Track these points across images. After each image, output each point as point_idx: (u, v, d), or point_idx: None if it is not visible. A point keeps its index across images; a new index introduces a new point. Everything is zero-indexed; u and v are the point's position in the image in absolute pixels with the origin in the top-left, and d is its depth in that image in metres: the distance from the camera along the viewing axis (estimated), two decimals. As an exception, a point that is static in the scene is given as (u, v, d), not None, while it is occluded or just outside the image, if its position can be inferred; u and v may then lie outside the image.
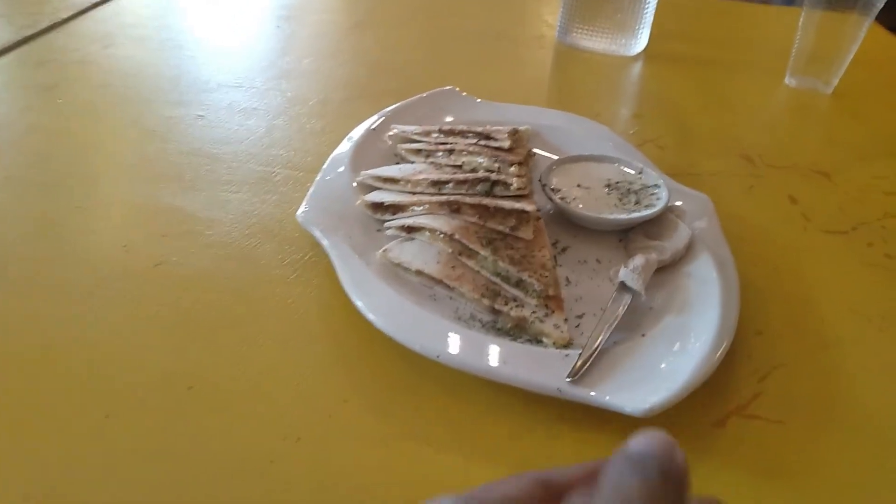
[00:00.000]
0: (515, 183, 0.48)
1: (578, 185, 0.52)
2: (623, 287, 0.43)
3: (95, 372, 0.38)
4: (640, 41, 0.86)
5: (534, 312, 0.41)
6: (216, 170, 0.56)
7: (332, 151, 0.55)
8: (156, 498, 0.32)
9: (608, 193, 0.52)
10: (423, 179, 0.49)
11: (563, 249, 0.49)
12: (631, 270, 0.43)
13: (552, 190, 0.51)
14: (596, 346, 0.38)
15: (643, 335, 0.40)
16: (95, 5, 0.88)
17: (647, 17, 0.85)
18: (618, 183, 0.53)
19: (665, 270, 0.45)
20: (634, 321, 0.42)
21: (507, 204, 0.47)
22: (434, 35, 0.90)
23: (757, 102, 0.78)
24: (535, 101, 0.75)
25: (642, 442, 0.21)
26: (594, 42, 0.86)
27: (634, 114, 0.74)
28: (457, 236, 0.44)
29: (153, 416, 0.36)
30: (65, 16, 0.84)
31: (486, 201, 0.47)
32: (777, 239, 0.54)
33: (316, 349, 0.40)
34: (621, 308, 0.41)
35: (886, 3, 0.73)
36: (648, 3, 0.83)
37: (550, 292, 0.43)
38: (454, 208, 0.47)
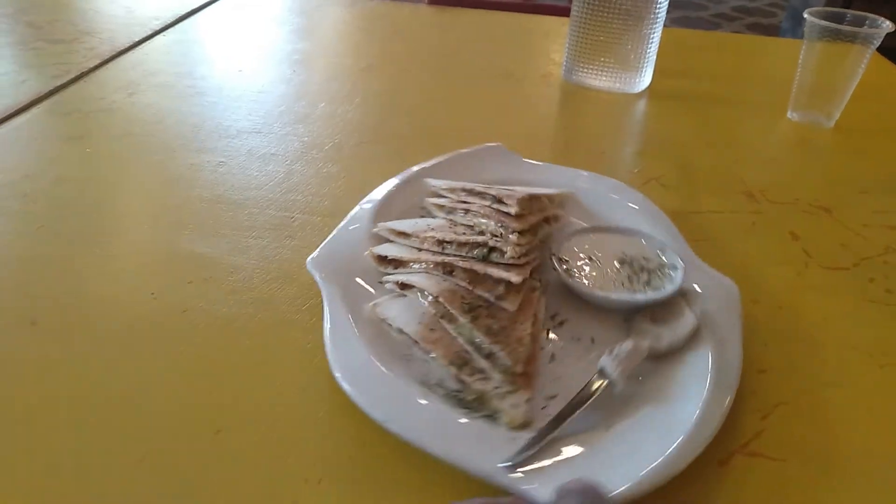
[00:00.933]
0: (510, 251, 0.48)
1: (590, 258, 0.51)
2: (602, 373, 0.41)
3: (128, 417, 0.40)
4: (644, 79, 0.89)
5: (496, 388, 0.40)
6: (237, 216, 0.59)
7: (348, 195, 0.58)
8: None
9: (619, 269, 0.50)
10: (430, 237, 0.50)
11: (561, 323, 0.47)
12: (613, 357, 0.41)
13: (560, 260, 0.51)
14: (547, 433, 0.38)
15: (608, 428, 0.39)
16: (120, 53, 0.92)
17: (650, 55, 0.87)
18: (633, 259, 0.51)
19: (664, 358, 0.43)
20: (610, 410, 0.40)
21: (496, 272, 0.47)
22: (443, 75, 0.93)
23: (759, 138, 0.80)
24: (542, 139, 0.78)
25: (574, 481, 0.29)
26: (599, 80, 0.89)
27: (638, 151, 0.76)
28: (441, 299, 0.45)
29: (185, 460, 0.38)
30: (91, 65, 0.88)
31: (478, 266, 0.47)
32: (779, 276, 0.55)
33: (332, 393, 0.42)
34: (592, 395, 0.40)
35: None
36: (652, 41, 0.86)
37: (519, 369, 0.42)
38: (447, 270, 0.48)
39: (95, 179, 0.65)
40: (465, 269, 0.48)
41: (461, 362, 0.43)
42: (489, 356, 0.42)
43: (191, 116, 0.77)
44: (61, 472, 0.37)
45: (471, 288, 0.46)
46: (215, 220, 0.58)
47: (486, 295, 0.46)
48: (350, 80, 0.90)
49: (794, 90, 0.83)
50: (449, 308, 0.45)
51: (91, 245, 0.55)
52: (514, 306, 0.45)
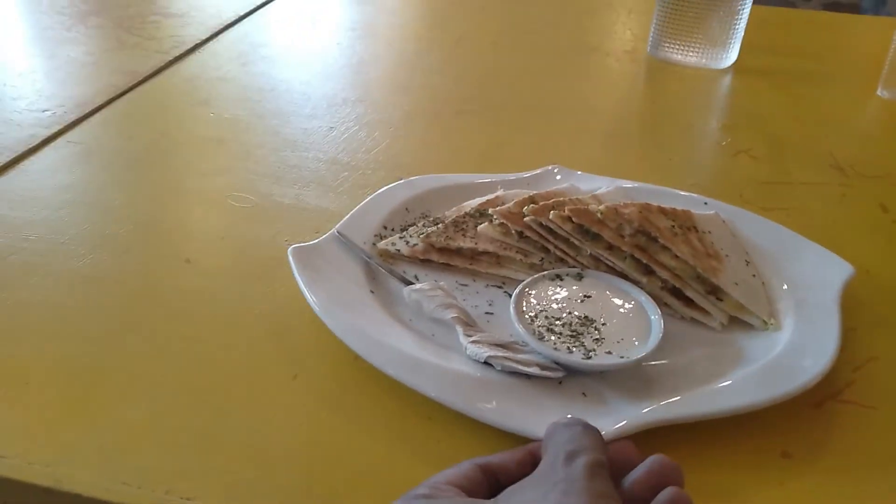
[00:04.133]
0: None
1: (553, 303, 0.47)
2: None
3: (280, 340, 0.46)
4: (731, 54, 0.90)
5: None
6: (353, 176, 0.65)
7: (451, 160, 0.62)
8: None
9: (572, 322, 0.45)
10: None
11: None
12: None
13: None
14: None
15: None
16: (228, 27, 0.99)
17: (738, 31, 0.88)
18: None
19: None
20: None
21: None
22: (530, 50, 0.96)
23: (848, 114, 0.80)
24: (630, 113, 0.81)
25: (564, 419, 0.33)
26: (685, 56, 0.90)
27: (726, 125, 0.78)
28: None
29: (332, 380, 0.44)
30: (203, 37, 0.95)
31: None
32: (868, 244, 0.58)
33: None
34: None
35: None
36: (740, 16, 0.87)
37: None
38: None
39: (221, 139, 0.71)
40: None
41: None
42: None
43: (299, 85, 0.83)
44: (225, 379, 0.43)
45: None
46: (333, 179, 0.64)
47: None
48: (443, 52, 0.94)
49: (887, 67, 0.83)
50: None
51: (225, 196, 0.61)
52: None
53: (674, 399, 0.41)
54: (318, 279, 0.48)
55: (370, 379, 0.43)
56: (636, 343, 0.44)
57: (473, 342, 0.44)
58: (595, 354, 0.42)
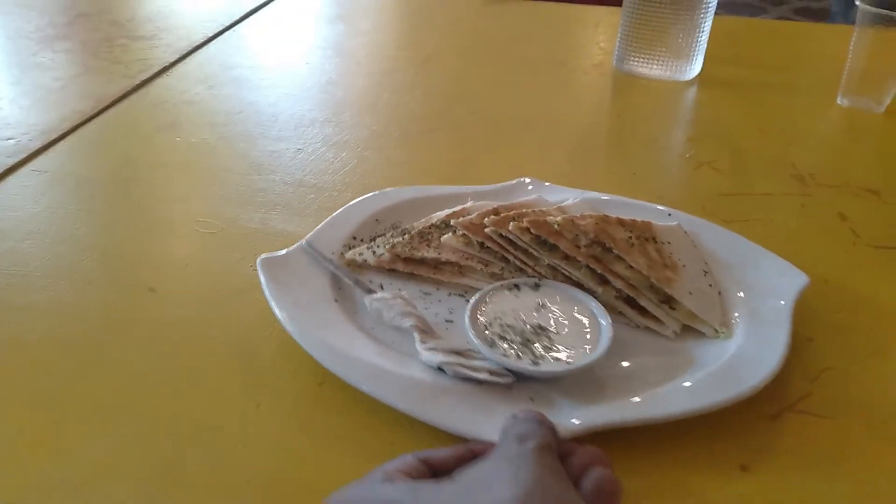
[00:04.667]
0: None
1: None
2: None
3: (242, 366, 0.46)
4: (695, 66, 0.91)
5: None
6: (319, 198, 0.65)
7: (417, 179, 0.62)
8: None
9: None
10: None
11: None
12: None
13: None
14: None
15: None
16: (195, 49, 0.99)
17: (701, 43, 0.90)
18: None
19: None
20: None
21: None
22: (498, 66, 0.97)
23: (809, 123, 0.82)
24: (596, 126, 0.82)
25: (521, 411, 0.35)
26: (650, 69, 0.92)
27: (690, 137, 0.80)
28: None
29: (293, 406, 0.44)
30: (171, 60, 0.95)
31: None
32: (827, 254, 0.59)
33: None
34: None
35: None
36: (702, 29, 0.89)
37: None
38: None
39: (187, 164, 0.71)
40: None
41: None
42: None
43: (267, 106, 0.83)
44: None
45: None
46: (300, 202, 0.64)
47: None
48: (410, 71, 0.95)
49: (845, 76, 0.85)
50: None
51: (191, 222, 0.61)
52: None
53: (618, 403, 0.42)
54: (285, 289, 0.49)
55: (335, 399, 0.43)
56: (587, 350, 0.45)
57: (429, 349, 0.45)
58: (543, 361, 0.44)
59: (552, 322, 0.47)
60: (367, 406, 0.42)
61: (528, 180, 0.63)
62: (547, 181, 0.63)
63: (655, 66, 0.91)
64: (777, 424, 0.43)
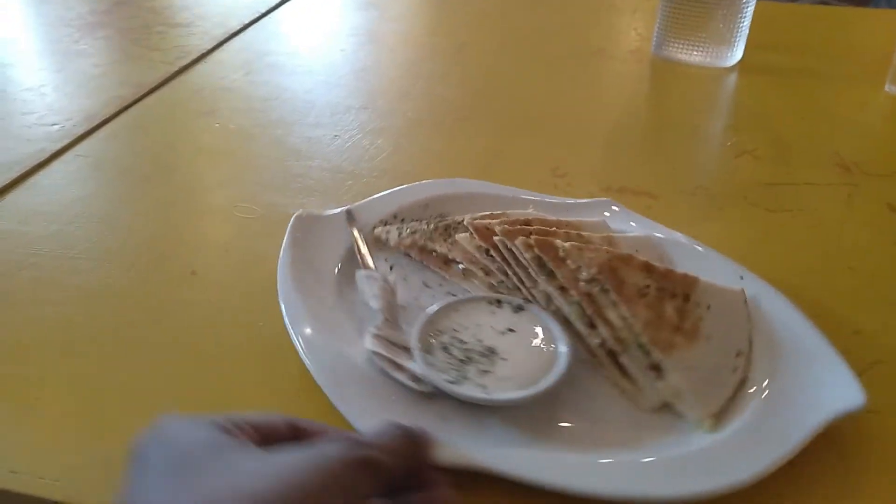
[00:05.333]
0: None
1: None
2: None
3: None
4: (736, 52, 0.89)
5: None
6: (356, 185, 0.65)
7: (452, 168, 0.62)
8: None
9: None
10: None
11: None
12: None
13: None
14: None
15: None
16: (232, 36, 1.00)
17: (742, 29, 0.88)
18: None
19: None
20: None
21: None
22: (533, 54, 0.96)
23: (855, 111, 0.80)
24: (635, 114, 0.81)
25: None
26: (689, 55, 0.90)
27: (731, 125, 0.78)
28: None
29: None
30: (208, 47, 0.96)
31: None
32: (875, 245, 0.57)
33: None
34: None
35: None
36: (745, 14, 0.86)
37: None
38: None
39: (225, 150, 0.72)
40: None
41: None
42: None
43: (303, 93, 0.84)
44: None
45: None
46: (337, 188, 0.64)
47: None
48: (445, 59, 0.95)
49: (894, 63, 0.82)
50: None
51: (231, 207, 0.62)
52: None
53: (515, 451, 0.39)
54: (299, 250, 0.51)
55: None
56: (522, 386, 0.41)
57: (374, 336, 0.44)
58: (466, 382, 0.41)
59: (508, 349, 0.43)
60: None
61: (610, 202, 0.57)
62: (582, 172, 0.62)
63: (695, 53, 0.89)
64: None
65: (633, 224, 0.55)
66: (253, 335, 0.48)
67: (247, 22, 1.05)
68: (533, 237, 0.47)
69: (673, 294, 0.45)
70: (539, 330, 0.45)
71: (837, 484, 0.39)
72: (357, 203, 0.57)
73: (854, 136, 0.74)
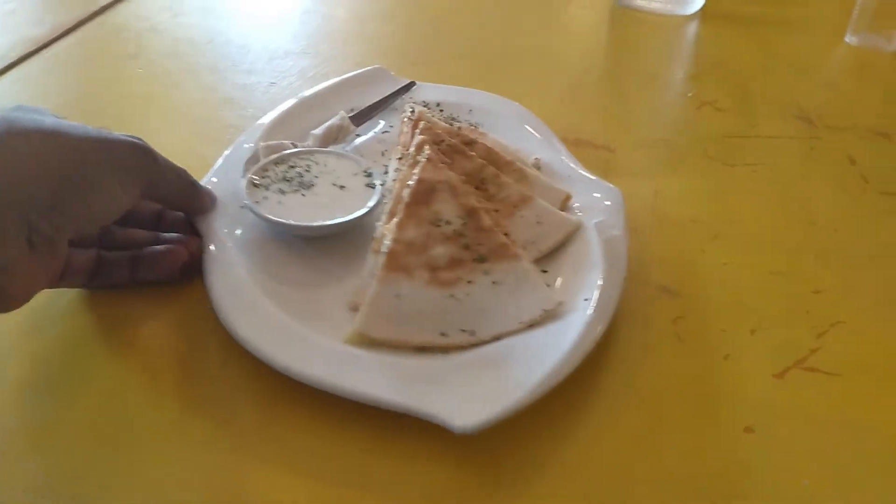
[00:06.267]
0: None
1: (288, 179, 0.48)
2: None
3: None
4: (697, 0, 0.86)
5: None
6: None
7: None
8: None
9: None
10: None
11: None
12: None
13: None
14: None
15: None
16: (161, -27, 0.91)
17: (704, -25, 0.84)
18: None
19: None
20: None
21: None
22: (489, -3, 0.91)
23: (817, 62, 0.77)
24: (592, 65, 0.77)
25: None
26: (649, 2, 0.86)
27: (692, 75, 0.75)
28: None
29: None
30: (134, -16, 0.87)
31: None
32: (836, 200, 0.55)
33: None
34: None
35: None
36: (706, -42, 0.83)
37: None
38: None
39: (151, 97, 0.66)
40: None
41: None
42: None
43: (238, 38, 0.77)
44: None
45: None
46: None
47: None
48: (393, 0, 0.88)
49: (855, 13, 0.80)
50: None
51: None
52: None
53: None
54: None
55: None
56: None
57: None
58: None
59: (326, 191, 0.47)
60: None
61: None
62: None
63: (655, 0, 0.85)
64: (783, 383, 0.40)
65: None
66: (175, 302, 0.44)
67: (177, -42, 0.96)
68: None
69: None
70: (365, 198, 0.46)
71: (796, 451, 0.37)
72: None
73: (815, 88, 0.72)
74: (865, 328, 0.44)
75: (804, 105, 0.68)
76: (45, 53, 0.72)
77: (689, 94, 0.70)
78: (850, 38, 0.81)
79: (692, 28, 0.84)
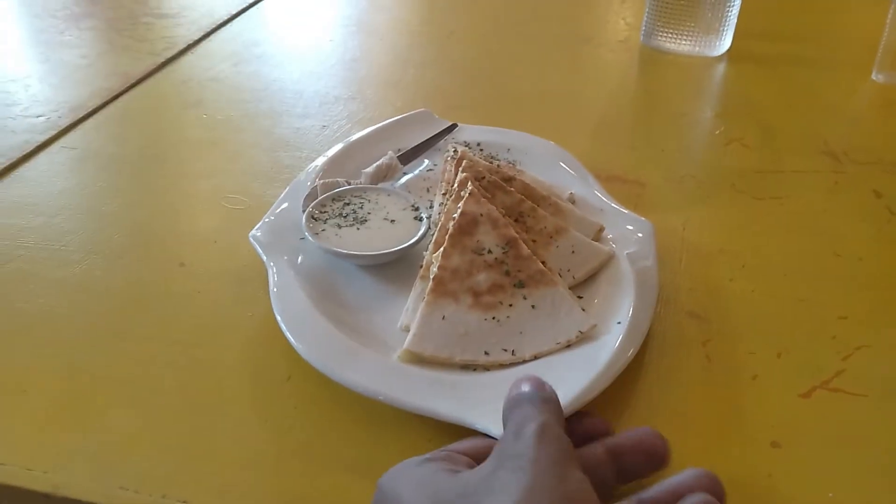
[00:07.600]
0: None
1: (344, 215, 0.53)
2: None
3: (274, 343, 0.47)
4: (725, 41, 0.89)
5: None
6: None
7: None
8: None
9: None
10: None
11: None
12: None
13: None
14: None
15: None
16: (219, 27, 0.99)
17: (731, 17, 0.88)
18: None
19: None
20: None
21: None
22: (522, 41, 0.96)
23: (842, 99, 0.80)
24: (621, 105, 0.81)
25: (518, 385, 0.35)
26: (678, 44, 0.90)
27: (719, 114, 0.78)
28: None
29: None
30: (195, 37, 0.95)
31: None
32: (860, 231, 0.58)
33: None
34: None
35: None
36: (733, 3, 0.87)
37: None
38: None
39: (213, 141, 0.71)
40: None
41: None
42: None
43: (291, 83, 0.83)
44: (224, 385, 0.44)
45: None
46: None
47: None
48: (435, 46, 0.94)
49: (881, 50, 0.82)
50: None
51: (219, 198, 0.62)
52: None
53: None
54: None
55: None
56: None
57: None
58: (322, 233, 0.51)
59: (378, 224, 0.52)
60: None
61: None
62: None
63: (684, 42, 0.89)
64: (809, 402, 0.42)
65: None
66: (241, 325, 0.48)
67: (234, 12, 1.04)
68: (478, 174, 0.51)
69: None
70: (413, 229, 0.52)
71: (821, 466, 0.39)
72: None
73: (841, 124, 0.75)
74: (890, 351, 0.46)
75: (830, 140, 0.70)
76: (118, 103, 0.79)
77: (718, 132, 0.73)
78: (876, 76, 0.84)
79: (720, 68, 0.88)
